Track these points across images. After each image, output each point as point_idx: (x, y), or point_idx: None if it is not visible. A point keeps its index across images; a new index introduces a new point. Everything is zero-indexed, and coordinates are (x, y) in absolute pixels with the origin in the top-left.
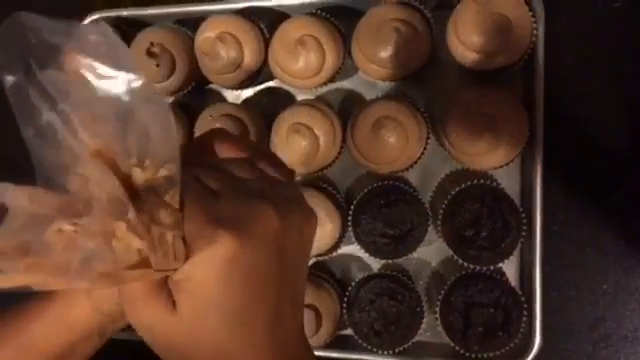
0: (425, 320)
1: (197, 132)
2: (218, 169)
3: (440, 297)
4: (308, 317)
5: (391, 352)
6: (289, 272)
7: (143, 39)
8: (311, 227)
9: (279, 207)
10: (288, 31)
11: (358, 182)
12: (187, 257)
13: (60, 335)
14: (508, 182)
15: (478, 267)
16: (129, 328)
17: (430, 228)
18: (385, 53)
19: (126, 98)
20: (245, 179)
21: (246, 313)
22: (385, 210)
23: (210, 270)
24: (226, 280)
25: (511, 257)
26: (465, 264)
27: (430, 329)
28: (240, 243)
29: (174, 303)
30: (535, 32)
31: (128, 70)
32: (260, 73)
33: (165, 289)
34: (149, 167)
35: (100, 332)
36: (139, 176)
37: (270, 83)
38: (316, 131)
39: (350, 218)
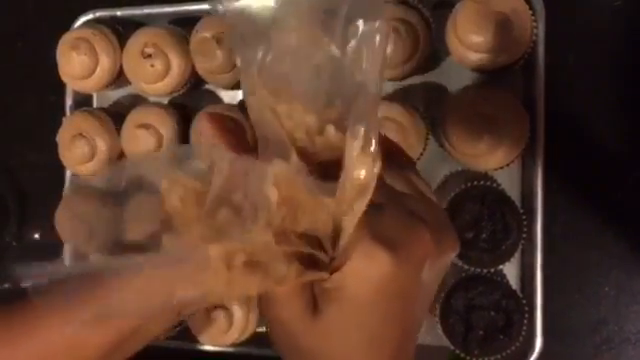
0: (425, 323)
1: (193, 134)
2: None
3: (440, 300)
4: None
5: None
6: (423, 303)
7: (138, 39)
8: (453, 255)
9: (434, 232)
10: None
11: None
12: (338, 266)
13: (142, 305)
14: (509, 183)
15: (479, 269)
16: None
17: None
18: None
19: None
20: (403, 194)
21: (379, 337)
22: None
23: (364, 286)
24: (376, 300)
25: (512, 259)
26: (465, 266)
27: (430, 332)
28: (397, 265)
29: (315, 307)
30: (535, 31)
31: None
32: None
33: (307, 291)
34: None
35: (183, 308)
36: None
37: None
38: None
39: None
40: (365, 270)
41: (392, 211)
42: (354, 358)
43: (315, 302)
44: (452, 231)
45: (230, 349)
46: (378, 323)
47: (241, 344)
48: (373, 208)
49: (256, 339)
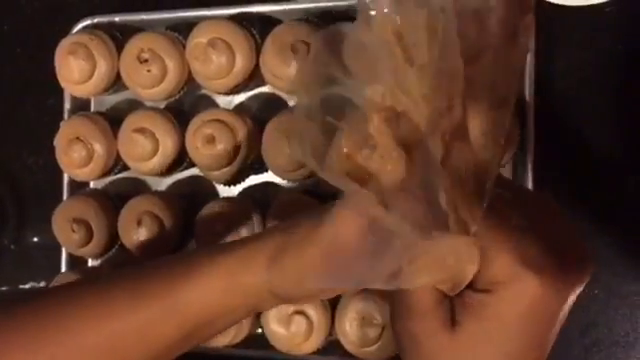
0: None
1: (188, 138)
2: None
3: None
4: (299, 323)
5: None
6: (555, 335)
7: (134, 44)
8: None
9: (578, 262)
10: (280, 37)
11: None
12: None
13: (218, 299)
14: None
15: None
16: None
17: None
18: None
19: None
20: (544, 220)
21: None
22: None
23: (512, 308)
24: (523, 325)
25: None
26: None
27: None
28: (543, 291)
29: (452, 322)
30: None
31: None
32: (252, 79)
33: (444, 305)
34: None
35: (255, 308)
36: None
37: (262, 89)
38: None
39: None
40: (515, 293)
41: (537, 233)
42: None
43: (452, 317)
44: (591, 260)
45: (224, 350)
46: (519, 345)
47: (235, 345)
48: (518, 230)
49: (250, 341)
